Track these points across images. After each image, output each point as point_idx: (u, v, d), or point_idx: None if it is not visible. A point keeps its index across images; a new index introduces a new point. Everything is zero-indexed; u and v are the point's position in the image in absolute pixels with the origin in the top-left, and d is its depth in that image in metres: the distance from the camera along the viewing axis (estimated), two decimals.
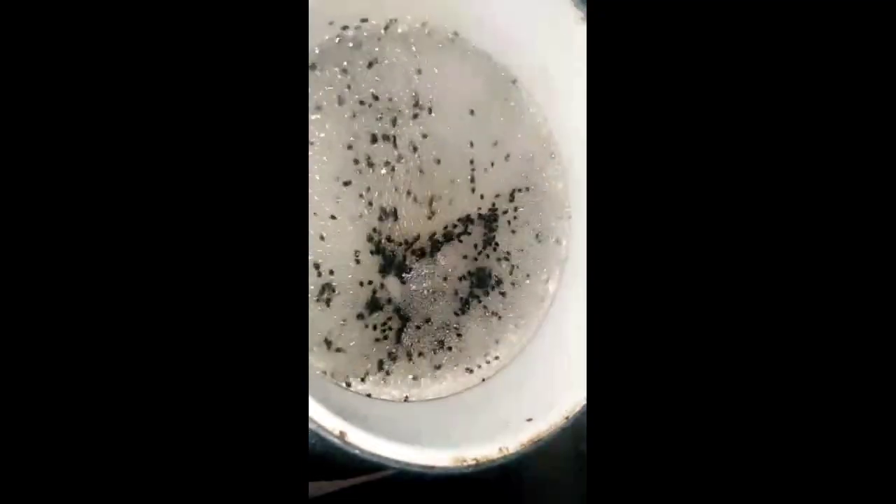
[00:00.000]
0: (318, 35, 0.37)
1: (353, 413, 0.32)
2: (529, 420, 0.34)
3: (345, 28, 0.38)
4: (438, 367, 0.39)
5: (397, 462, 0.29)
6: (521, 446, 0.33)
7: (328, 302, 0.37)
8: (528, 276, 0.41)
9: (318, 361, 0.37)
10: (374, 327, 0.38)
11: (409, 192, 0.39)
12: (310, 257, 0.36)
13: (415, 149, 0.39)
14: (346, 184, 0.37)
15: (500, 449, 0.33)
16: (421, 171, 0.39)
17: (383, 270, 0.38)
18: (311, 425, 0.27)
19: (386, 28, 0.39)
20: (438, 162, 0.39)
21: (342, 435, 0.27)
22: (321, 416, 0.27)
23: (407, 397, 0.38)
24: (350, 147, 0.38)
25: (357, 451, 0.27)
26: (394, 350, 0.38)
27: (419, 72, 0.39)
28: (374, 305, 0.38)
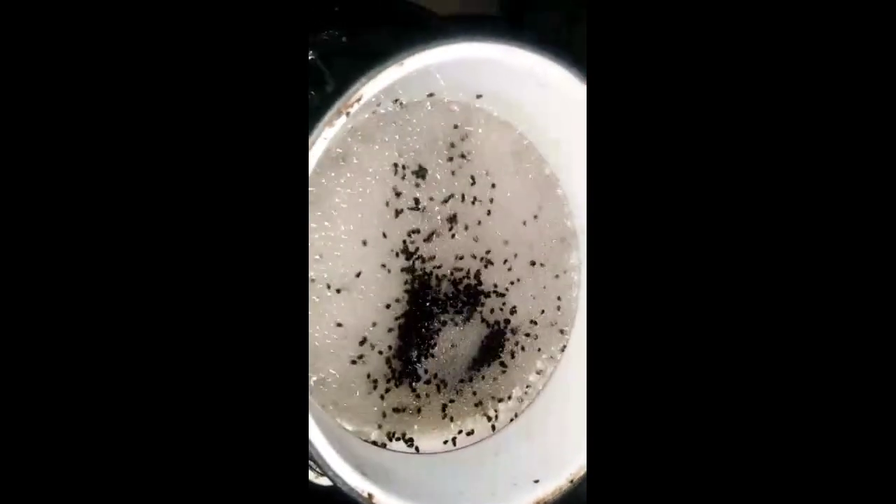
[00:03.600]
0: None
1: (374, 467, 0.34)
2: (536, 482, 0.36)
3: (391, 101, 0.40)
4: (449, 419, 0.41)
5: None
6: None
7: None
8: (537, 336, 0.43)
9: (333, 417, 0.38)
10: (386, 380, 0.40)
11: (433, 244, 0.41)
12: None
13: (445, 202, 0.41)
14: (364, 243, 0.39)
15: None
16: (451, 233, 0.41)
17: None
18: (343, 487, 0.29)
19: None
20: (459, 221, 0.41)
21: (370, 497, 0.29)
22: (351, 478, 0.29)
23: (417, 448, 0.40)
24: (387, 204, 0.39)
25: None
26: (405, 401, 0.40)
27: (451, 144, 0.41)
28: (387, 361, 0.40)
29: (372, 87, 0.28)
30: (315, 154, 0.28)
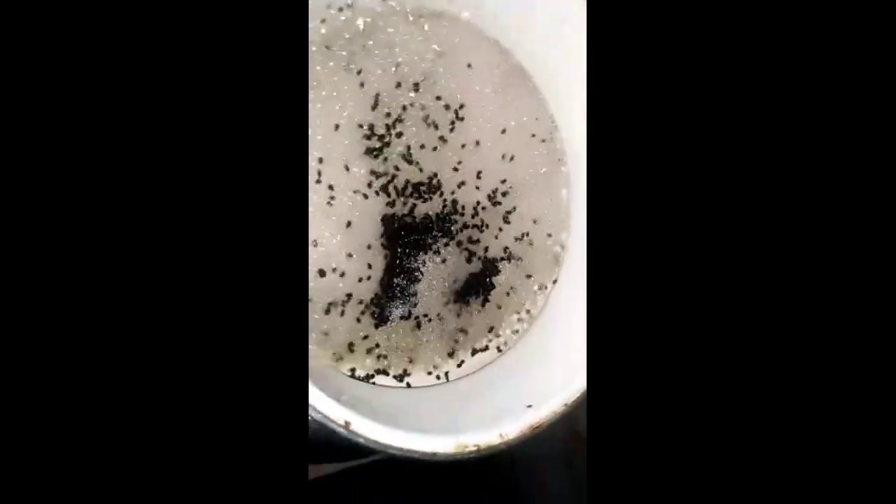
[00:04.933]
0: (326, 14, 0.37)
1: (358, 400, 0.32)
2: (529, 406, 0.35)
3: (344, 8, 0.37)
4: (446, 354, 0.40)
5: (400, 449, 0.29)
6: (521, 433, 0.34)
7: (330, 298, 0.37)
8: (530, 264, 0.41)
9: (319, 350, 0.37)
10: (374, 315, 0.38)
11: (413, 166, 0.39)
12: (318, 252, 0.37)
13: (427, 121, 0.39)
14: (330, 187, 0.37)
15: (501, 435, 0.33)
16: (427, 148, 0.39)
17: (385, 255, 0.39)
18: (316, 416, 0.27)
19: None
20: (444, 141, 0.39)
21: (347, 424, 0.28)
22: (326, 407, 0.28)
23: (409, 384, 0.39)
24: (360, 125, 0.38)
25: (361, 440, 0.28)
26: (394, 336, 0.39)
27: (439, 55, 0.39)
28: (376, 294, 0.38)
29: None
30: None
